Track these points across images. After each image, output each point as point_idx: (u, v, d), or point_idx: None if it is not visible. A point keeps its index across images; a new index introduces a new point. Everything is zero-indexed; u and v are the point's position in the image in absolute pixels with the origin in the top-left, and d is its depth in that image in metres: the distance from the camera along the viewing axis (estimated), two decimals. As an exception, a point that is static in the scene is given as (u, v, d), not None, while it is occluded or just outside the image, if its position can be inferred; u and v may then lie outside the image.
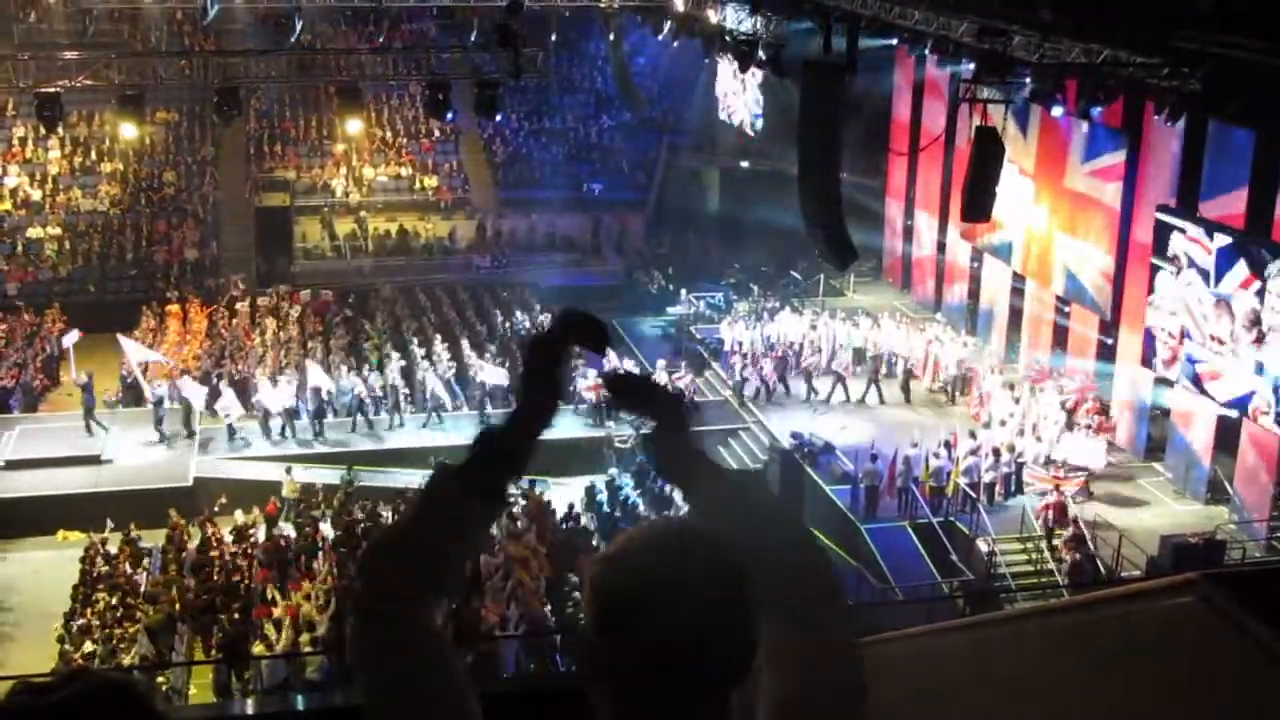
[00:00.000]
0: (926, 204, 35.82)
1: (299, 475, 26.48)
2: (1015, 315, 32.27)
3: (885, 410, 30.21)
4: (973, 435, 26.59)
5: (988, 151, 22.49)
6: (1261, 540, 23.82)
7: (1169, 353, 25.29)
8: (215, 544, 23.83)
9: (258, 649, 20.42)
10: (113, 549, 23.64)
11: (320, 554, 23.54)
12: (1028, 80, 23.74)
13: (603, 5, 32.93)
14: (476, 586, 22.36)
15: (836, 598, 2.12)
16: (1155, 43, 21.03)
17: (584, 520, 25.64)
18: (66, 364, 32.20)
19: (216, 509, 25.13)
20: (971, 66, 24.23)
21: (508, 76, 28.51)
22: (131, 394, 29.92)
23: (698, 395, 30.51)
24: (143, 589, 22.34)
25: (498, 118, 33.75)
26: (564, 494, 26.65)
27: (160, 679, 18.67)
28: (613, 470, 27.61)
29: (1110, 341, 28.43)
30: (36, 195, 39.76)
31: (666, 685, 1.87)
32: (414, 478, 27.02)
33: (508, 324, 34.78)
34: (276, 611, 21.09)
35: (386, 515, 25.14)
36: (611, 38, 38.94)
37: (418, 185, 42.10)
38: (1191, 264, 24.37)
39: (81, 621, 20.88)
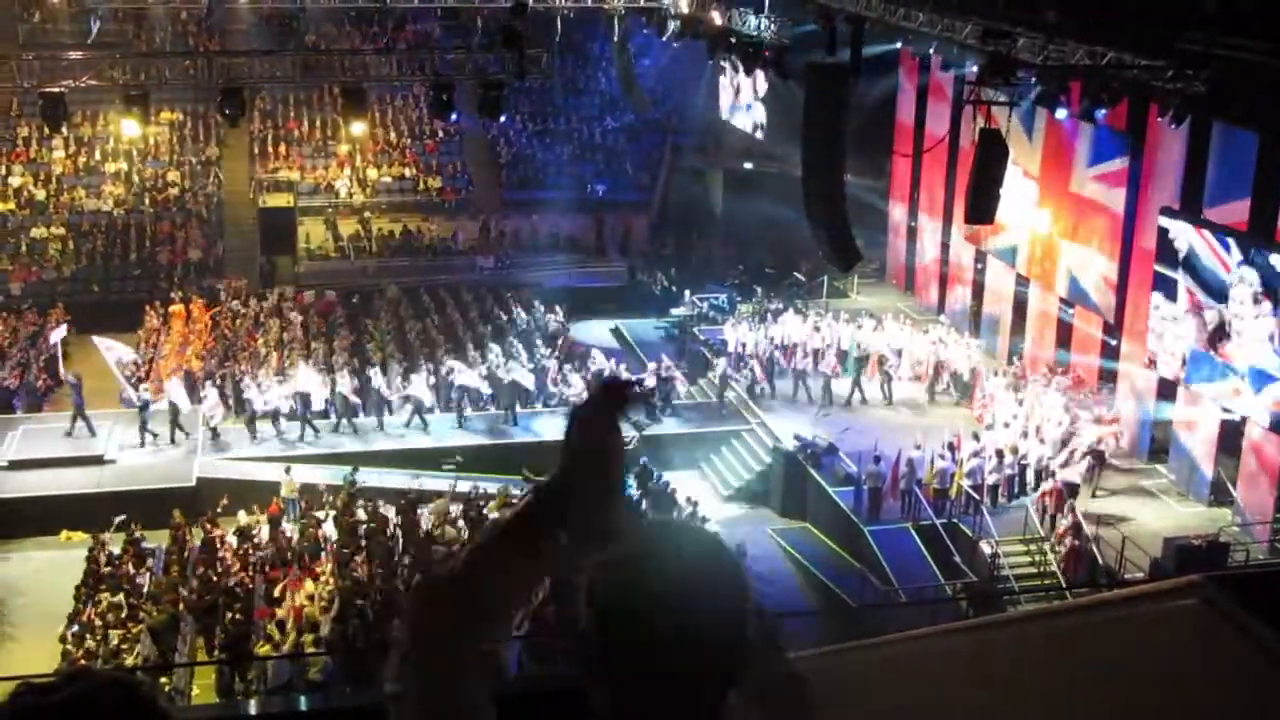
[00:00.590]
0: (930, 206, 35.81)
1: (299, 476, 26.43)
2: (1019, 317, 32.26)
3: (885, 412, 30.21)
4: (976, 437, 26.58)
5: (991, 154, 22.49)
6: (1265, 542, 23.81)
7: (1172, 357, 25.30)
8: (218, 544, 23.85)
9: (261, 649, 20.42)
10: (115, 549, 23.65)
11: (322, 554, 23.54)
12: (1034, 81, 23.73)
13: (607, 7, 32.93)
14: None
15: (772, 647, 2.11)
16: (1160, 45, 21.06)
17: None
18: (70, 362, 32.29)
19: (219, 510, 25.13)
20: (974, 68, 24.24)
21: (512, 77, 28.51)
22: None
23: (679, 387, 30.48)
24: (145, 589, 22.35)
25: (502, 119, 33.77)
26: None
27: (163, 679, 18.68)
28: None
29: (1114, 343, 28.41)
30: (40, 195, 39.80)
31: (665, 686, 1.88)
32: (412, 479, 27.11)
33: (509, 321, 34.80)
34: (279, 612, 21.09)
35: (389, 515, 25.17)
36: (616, 39, 38.93)
37: (421, 186, 42.14)
38: (1193, 264, 24.37)
39: (84, 622, 20.89)
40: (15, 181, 39.87)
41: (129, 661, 19.36)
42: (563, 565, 2.01)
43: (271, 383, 29.15)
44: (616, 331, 36.58)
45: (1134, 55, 22.07)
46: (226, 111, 27.33)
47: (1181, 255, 24.70)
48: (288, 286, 37.47)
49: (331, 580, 22.32)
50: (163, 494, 25.89)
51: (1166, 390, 26.53)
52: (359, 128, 36.71)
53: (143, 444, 27.94)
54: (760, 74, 31.61)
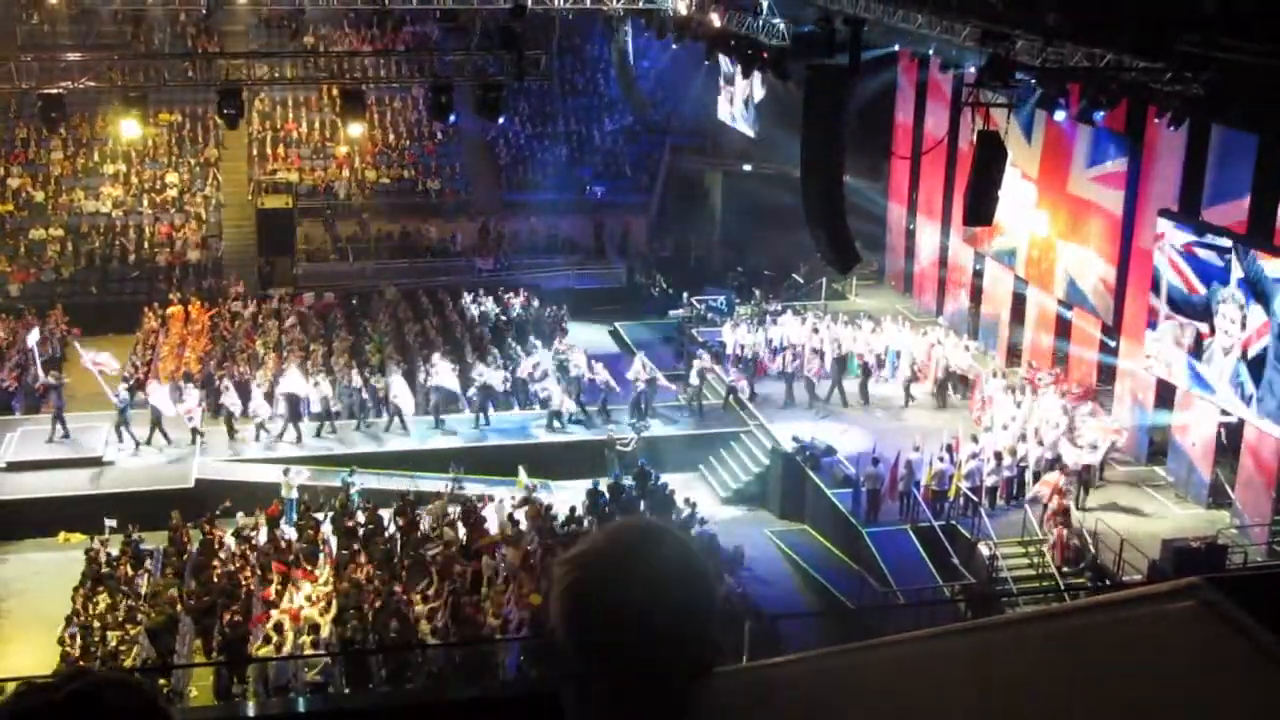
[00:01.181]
0: (929, 208, 35.83)
1: (297, 478, 26.42)
2: (1017, 319, 32.28)
3: (884, 413, 30.24)
4: (974, 439, 26.60)
5: (990, 155, 22.51)
6: (1263, 545, 23.83)
7: (1170, 357, 25.32)
8: (217, 546, 23.85)
9: (260, 650, 20.41)
10: (114, 550, 23.64)
11: (321, 556, 23.54)
12: (1033, 83, 23.74)
13: (606, 8, 32.95)
14: (477, 589, 22.39)
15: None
16: (1158, 47, 21.06)
17: (586, 523, 25.61)
18: (68, 363, 32.28)
19: (218, 511, 25.13)
20: (972, 70, 24.25)
21: (510, 79, 28.52)
22: (131, 394, 29.83)
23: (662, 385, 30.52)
24: (144, 591, 22.35)
25: (500, 120, 33.79)
26: (565, 496, 26.64)
27: (161, 681, 18.67)
28: (615, 472, 27.59)
29: (1113, 344, 28.43)
30: (39, 196, 39.78)
31: (633, 683, 1.90)
32: (410, 480, 27.12)
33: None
34: (276, 614, 21.07)
35: (387, 517, 25.16)
36: (614, 41, 38.98)
37: (420, 187, 42.12)
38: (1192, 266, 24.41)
39: (82, 623, 20.87)
40: (14, 183, 39.85)
41: (127, 663, 19.35)
42: None
43: (254, 388, 29.15)
44: (615, 333, 36.59)
45: (1133, 57, 22.09)
46: (225, 113, 27.35)
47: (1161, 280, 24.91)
48: (286, 288, 37.43)
49: (330, 581, 22.33)
50: (161, 495, 25.89)
51: (1165, 392, 26.56)
52: (357, 129, 36.69)
53: (120, 440, 27.92)
54: (759, 76, 31.61)
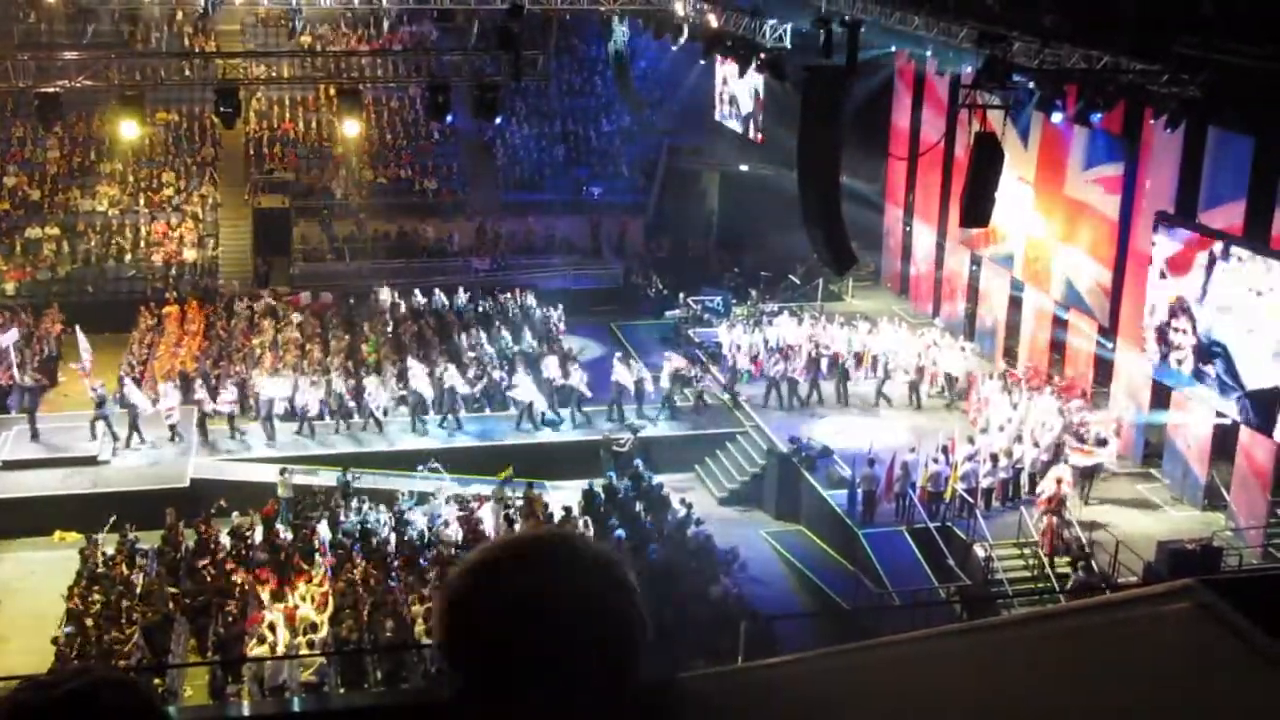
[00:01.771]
0: (926, 210, 35.84)
1: (293, 477, 26.41)
2: (1014, 320, 32.31)
3: (883, 414, 30.26)
4: (970, 440, 26.61)
5: (987, 157, 22.52)
6: (1258, 547, 23.85)
7: (1165, 353, 25.34)
8: (212, 545, 23.84)
9: (255, 650, 20.41)
10: (109, 550, 23.63)
11: (316, 556, 23.53)
12: (1031, 85, 23.76)
13: (603, 9, 32.93)
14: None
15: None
16: (1156, 49, 21.07)
17: (580, 524, 25.62)
18: (62, 364, 32.27)
19: (213, 510, 25.13)
20: (969, 70, 24.27)
21: (508, 79, 28.50)
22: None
23: (647, 387, 30.46)
24: (139, 590, 22.33)
25: (497, 120, 33.76)
26: (561, 497, 26.63)
27: (156, 680, 18.66)
28: (610, 474, 27.59)
29: (1110, 345, 28.45)
30: (35, 195, 39.75)
31: (540, 700, 1.85)
32: (406, 480, 27.11)
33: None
34: (270, 615, 21.06)
35: (384, 517, 25.16)
36: (611, 41, 38.95)
37: (417, 187, 42.11)
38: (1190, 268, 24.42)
39: (78, 622, 20.86)
40: (10, 181, 39.81)
41: (122, 662, 19.33)
42: None
43: (229, 387, 29.17)
44: (612, 333, 36.58)
45: (1130, 59, 22.11)
46: (222, 112, 27.32)
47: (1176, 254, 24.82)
48: (283, 288, 37.41)
49: (325, 581, 22.33)
50: (157, 495, 25.87)
51: (1160, 393, 26.59)
52: (354, 129, 36.70)
53: (94, 437, 27.88)
54: (756, 76, 31.64)
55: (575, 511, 25.77)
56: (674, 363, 30.95)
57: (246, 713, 8.87)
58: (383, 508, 25.58)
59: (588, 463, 28.15)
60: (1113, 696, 2.03)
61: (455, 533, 24.43)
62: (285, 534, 24.54)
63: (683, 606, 22.00)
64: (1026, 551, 24.37)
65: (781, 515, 27.96)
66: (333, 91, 39.35)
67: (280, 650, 20.27)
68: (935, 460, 25.55)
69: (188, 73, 30.25)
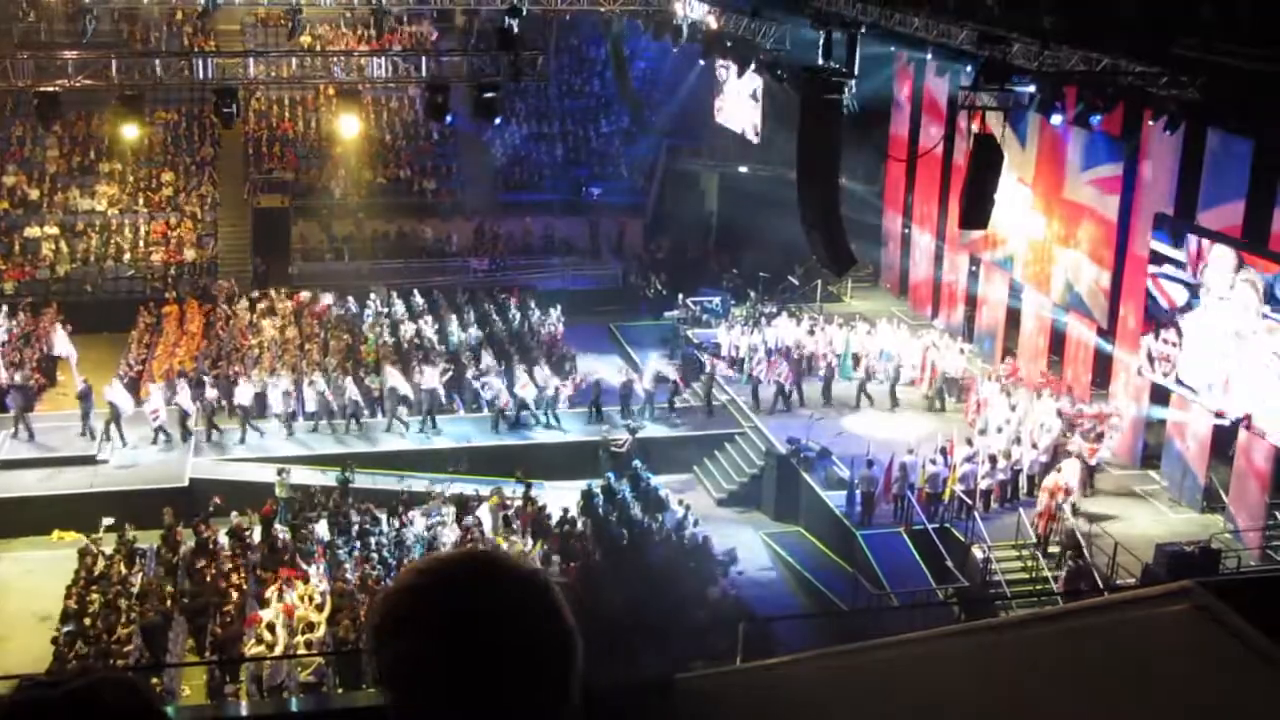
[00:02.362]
0: (925, 211, 35.82)
1: (292, 477, 26.40)
2: (1013, 322, 32.30)
3: (878, 415, 30.26)
4: (969, 442, 26.61)
5: (986, 159, 22.53)
6: (1256, 549, 23.86)
7: (1165, 360, 25.34)
8: (211, 545, 23.83)
9: (252, 650, 20.40)
10: (108, 549, 23.62)
11: (314, 555, 23.52)
12: (1030, 88, 23.75)
13: (603, 10, 32.95)
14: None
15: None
16: (1155, 51, 21.06)
17: (579, 524, 25.62)
18: (61, 364, 32.25)
19: (212, 510, 25.12)
20: (969, 69, 24.26)
21: (507, 80, 28.51)
22: (130, 394, 29.77)
23: (636, 388, 30.42)
24: (137, 589, 22.33)
25: (497, 121, 33.77)
26: (559, 498, 26.61)
27: (154, 680, 18.65)
28: (610, 474, 27.58)
29: (1108, 348, 28.45)
30: (34, 194, 39.74)
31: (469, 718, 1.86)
32: (404, 481, 27.09)
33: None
34: (267, 615, 21.05)
35: (382, 517, 25.16)
36: (611, 42, 38.99)
37: (416, 187, 42.10)
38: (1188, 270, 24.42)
39: (76, 621, 20.86)
40: (9, 181, 39.79)
41: (120, 662, 19.33)
42: None
43: (226, 386, 29.16)
44: (611, 334, 36.57)
45: (1129, 61, 22.11)
46: (221, 112, 27.32)
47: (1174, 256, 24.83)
48: (281, 287, 37.39)
49: (323, 581, 22.32)
50: (155, 494, 25.87)
51: (1160, 396, 26.59)
52: (353, 129, 36.68)
53: (84, 433, 27.94)
54: (756, 78, 31.64)
55: (574, 512, 25.77)
56: (657, 364, 30.89)
57: (245, 713, 8.86)
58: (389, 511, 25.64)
59: (587, 463, 28.14)
60: (1111, 697, 2.03)
61: (453, 534, 24.42)
62: (284, 534, 24.55)
63: (681, 607, 22.00)
64: (1025, 553, 24.37)
65: (780, 516, 27.95)
66: (332, 91, 39.35)
67: (279, 650, 20.27)
68: (933, 462, 25.55)
69: (187, 73, 30.22)
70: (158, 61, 28.81)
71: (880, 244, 38.53)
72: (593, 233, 42.18)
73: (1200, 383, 24.14)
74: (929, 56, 30.25)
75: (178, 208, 40.33)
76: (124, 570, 22.99)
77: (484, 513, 25.30)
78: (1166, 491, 26.42)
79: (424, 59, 30.47)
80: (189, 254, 38.94)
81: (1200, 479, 25.69)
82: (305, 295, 36.45)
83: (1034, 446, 26.46)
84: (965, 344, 32.89)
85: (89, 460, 27.38)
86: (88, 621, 20.89)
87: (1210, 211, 24.33)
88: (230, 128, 32.07)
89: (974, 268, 34.01)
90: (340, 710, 4.45)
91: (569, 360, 32.51)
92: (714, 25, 30.32)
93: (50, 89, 26.36)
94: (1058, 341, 30.45)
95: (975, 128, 23.62)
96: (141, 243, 39.20)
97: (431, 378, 29.60)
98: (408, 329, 34.10)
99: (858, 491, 25.62)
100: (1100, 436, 26.73)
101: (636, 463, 27.69)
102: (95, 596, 21.70)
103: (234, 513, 24.99)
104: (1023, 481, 26.18)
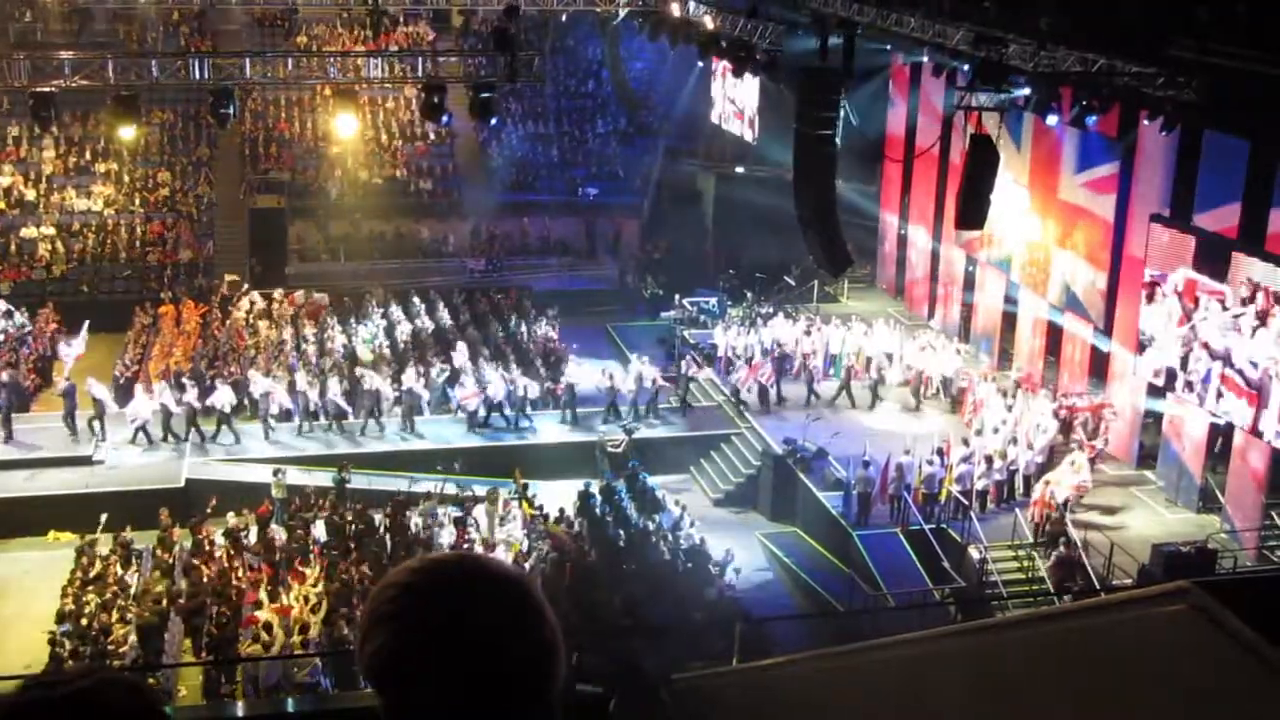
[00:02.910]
0: (921, 212, 35.84)
1: (288, 478, 26.37)
2: (1009, 323, 32.32)
3: (876, 415, 30.27)
4: (965, 442, 26.62)
5: (982, 159, 22.55)
6: (1253, 550, 23.87)
7: (1161, 361, 25.36)
8: (207, 545, 23.82)
9: (249, 650, 20.39)
10: (104, 549, 23.60)
11: (311, 556, 23.52)
12: (1027, 90, 23.77)
13: (599, 10, 32.95)
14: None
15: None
16: (1151, 52, 21.08)
17: (576, 525, 25.61)
18: (59, 364, 32.21)
19: (208, 510, 25.10)
20: (966, 68, 24.28)
21: (504, 80, 28.50)
22: (124, 394, 29.74)
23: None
24: (133, 589, 22.32)
25: (493, 121, 33.77)
26: (556, 498, 26.59)
27: (150, 680, 18.64)
28: (606, 474, 27.58)
29: (1105, 349, 28.46)
30: (30, 195, 39.70)
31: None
32: (401, 481, 27.08)
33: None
34: (263, 615, 21.05)
35: (378, 518, 25.14)
36: (607, 43, 38.96)
37: (412, 188, 42.09)
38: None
39: (72, 621, 20.84)
40: (5, 181, 39.76)
41: (115, 663, 19.32)
42: None
43: (222, 386, 29.12)
44: (607, 334, 36.56)
45: (1125, 62, 22.12)
46: (218, 112, 27.31)
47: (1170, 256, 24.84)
48: (277, 288, 37.38)
49: (320, 582, 22.32)
50: (151, 495, 25.84)
51: (1156, 397, 26.61)
52: (350, 129, 36.67)
53: (72, 433, 27.93)
54: (752, 78, 31.64)
55: (570, 512, 25.76)
56: (640, 365, 30.91)
57: (241, 713, 8.85)
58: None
59: (583, 463, 28.14)
60: (1107, 697, 2.04)
61: (449, 535, 24.40)
62: (280, 534, 24.53)
63: (678, 608, 22.00)
64: (1021, 554, 24.39)
65: (777, 517, 27.94)
66: (328, 92, 39.32)
67: (275, 650, 20.25)
68: (930, 462, 25.56)
69: (183, 72, 30.20)
70: (154, 62, 28.80)
71: (877, 244, 38.55)
72: (589, 233, 42.19)
73: (1196, 383, 24.14)
74: (925, 57, 30.26)
75: (174, 208, 40.31)
76: (120, 571, 22.97)
77: (480, 513, 25.29)
78: (1163, 492, 26.44)
79: (420, 59, 30.49)
80: (185, 254, 38.91)
81: (1197, 479, 25.70)
82: (301, 295, 36.43)
83: (1030, 447, 26.47)
84: (961, 344, 32.90)
85: (85, 461, 27.34)
86: (84, 622, 20.88)
87: (1206, 213, 24.33)
88: (226, 128, 32.04)
89: (970, 268, 34.03)
90: (336, 711, 4.45)
91: (564, 363, 32.45)
92: (710, 26, 30.32)
93: (46, 89, 26.33)
94: (1055, 341, 30.45)
95: (971, 128, 23.63)
96: (138, 243, 39.17)
97: (413, 381, 29.56)
98: (404, 329, 34.09)
99: (854, 492, 25.63)
100: (1097, 431, 26.76)
101: (633, 463, 27.69)
102: (91, 597, 21.68)
103: (230, 513, 24.98)
104: (1019, 482, 26.20)
